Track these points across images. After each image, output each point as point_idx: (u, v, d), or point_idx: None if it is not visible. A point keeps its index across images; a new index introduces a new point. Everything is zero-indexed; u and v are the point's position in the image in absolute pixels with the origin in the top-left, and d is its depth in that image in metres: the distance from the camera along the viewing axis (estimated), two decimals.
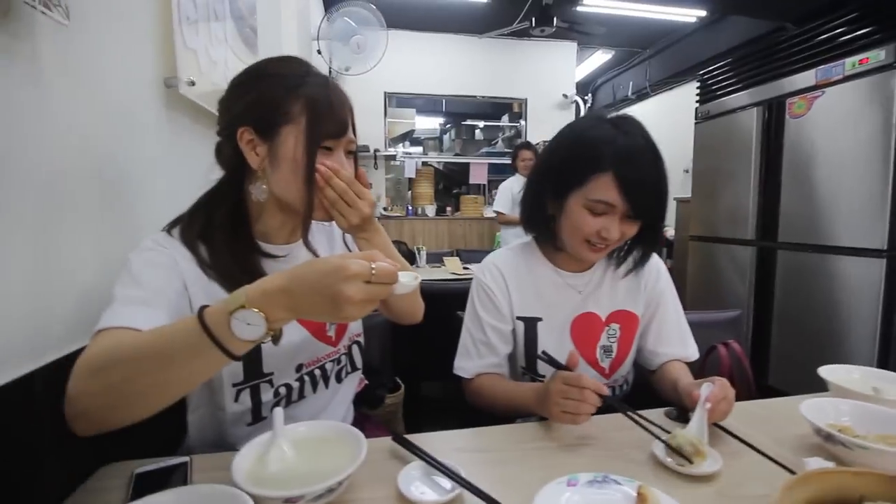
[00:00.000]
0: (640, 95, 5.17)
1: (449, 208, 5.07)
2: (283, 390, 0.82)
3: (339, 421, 0.92)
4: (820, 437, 0.66)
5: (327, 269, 0.49)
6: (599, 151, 0.84)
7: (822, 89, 2.29)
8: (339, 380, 0.92)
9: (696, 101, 3.16)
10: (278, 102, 0.71)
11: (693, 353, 1.01)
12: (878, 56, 2.05)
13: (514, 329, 0.99)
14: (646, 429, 0.71)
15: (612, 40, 4.74)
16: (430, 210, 4.62)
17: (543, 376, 0.97)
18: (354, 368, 0.97)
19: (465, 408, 1.00)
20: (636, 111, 5.18)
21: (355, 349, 0.96)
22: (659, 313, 1.02)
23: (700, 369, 1.13)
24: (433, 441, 0.76)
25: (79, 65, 0.74)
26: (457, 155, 5.54)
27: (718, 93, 2.98)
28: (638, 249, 0.96)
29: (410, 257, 2.86)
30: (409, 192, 5.04)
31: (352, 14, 2.98)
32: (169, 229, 0.75)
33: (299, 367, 0.84)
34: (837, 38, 2.27)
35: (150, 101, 0.98)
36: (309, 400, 0.87)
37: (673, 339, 1.01)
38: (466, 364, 0.97)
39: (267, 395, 0.80)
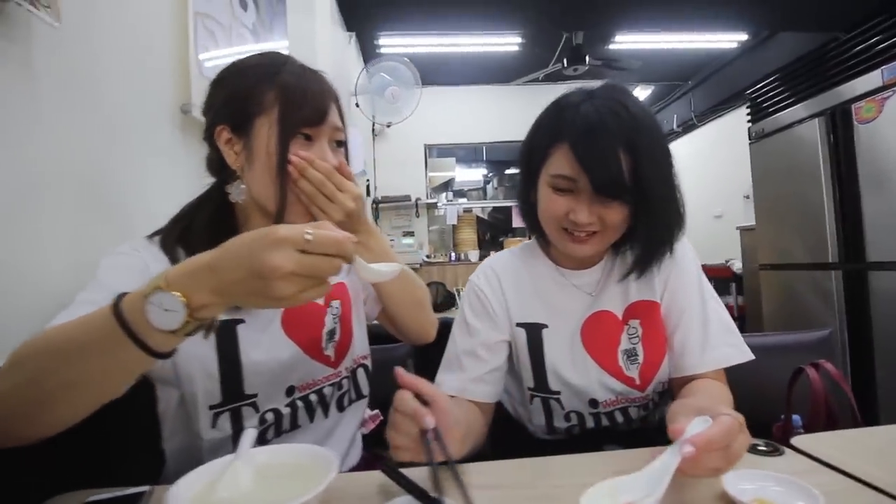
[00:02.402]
0: (687, 128, 4.97)
1: (493, 253, 4.95)
2: (270, 416, 0.72)
3: (342, 458, 0.81)
4: None
5: (252, 236, 0.41)
6: (560, 119, 0.72)
7: (892, 89, 2.06)
8: (340, 408, 0.81)
9: (748, 121, 2.96)
10: (251, 93, 0.67)
11: (722, 357, 0.75)
12: None
13: (514, 339, 0.83)
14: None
15: (649, 75, 4.66)
16: (474, 255, 4.54)
17: (558, 393, 0.81)
18: (360, 396, 0.86)
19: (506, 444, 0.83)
20: (684, 143, 5.02)
21: (361, 373, 0.86)
22: (672, 302, 0.80)
23: (786, 401, 0.92)
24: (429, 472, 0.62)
25: (101, 93, 0.75)
26: (499, 201, 5.51)
27: (771, 109, 2.78)
28: (636, 243, 0.77)
29: (450, 298, 2.75)
30: (453, 239, 5.02)
31: (387, 69, 3.13)
32: (152, 235, 0.71)
33: (290, 391, 0.74)
34: None
35: (166, 125, 1.01)
36: (304, 430, 0.76)
37: (689, 342, 0.77)
38: (448, 378, 0.81)
39: (251, 421, 0.71)
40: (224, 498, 0.48)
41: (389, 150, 4.53)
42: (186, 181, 1.09)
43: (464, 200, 5.55)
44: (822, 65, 2.45)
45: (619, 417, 0.81)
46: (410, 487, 0.53)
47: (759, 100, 2.90)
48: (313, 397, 0.77)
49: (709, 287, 0.81)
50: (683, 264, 0.82)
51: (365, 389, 0.86)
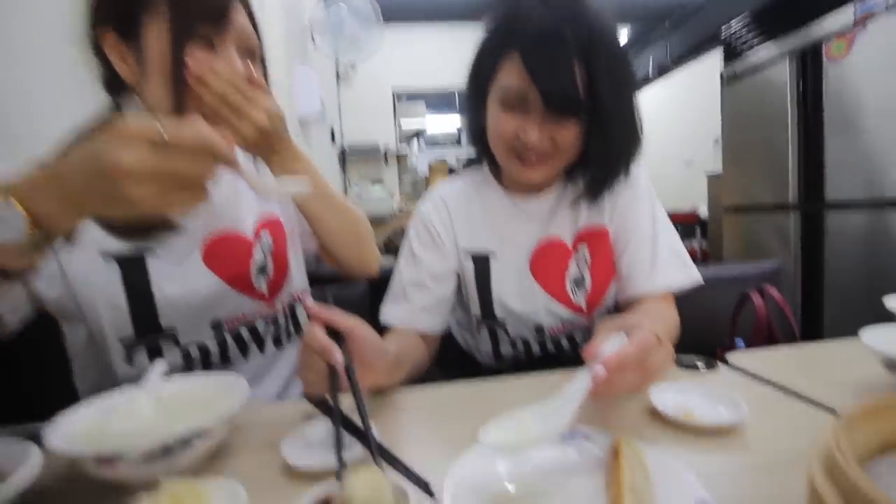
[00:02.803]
0: (663, 71, 4.87)
1: None
2: (195, 352, 0.68)
3: (279, 395, 0.78)
4: (893, 371, 0.46)
5: (100, 136, 0.35)
6: (511, 27, 0.66)
7: (862, 24, 2.01)
8: (278, 344, 0.77)
9: (722, 64, 2.89)
10: None
11: (671, 281, 0.72)
12: None
13: (461, 269, 0.80)
14: None
15: (626, 14, 4.50)
16: None
17: (505, 321, 0.79)
18: (299, 331, 0.82)
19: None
20: (659, 89, 4.94)
21: (300, 309, 0.81)
22: (621, 226, 0.77)
23: (731, 325, 0.93)
24: (371, 401, 0.59)
25: None
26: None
27: (745, 50, 2.71)
28: (589, 166, 0.72)
29: None
30: (426, 190, 4.93)
31: (346, 1, 2.90)
32: None
33: (217, 325, 0.70)
34: None
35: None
36: (237, 366, 0.73)
37: (637, 265, 0.74)
38: (393, 309, 0.77)
39: (173, 356, 0.66)
40: (118, 430, 0.44)
41: (355, 95, 4.31)
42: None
43: (438, 148, 5.40)
44: (795, 1, 2.37)
45: (565, 343, 0.80)
46: (331, 413, 0.50)
47: (733, 40, 2.82)
48: (245, 332, 0.73)
49: (661, 212, 0.78)
50: (636, 187, 0.78)
51: (304, 325, 0.82)
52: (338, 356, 0.47)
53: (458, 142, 6.01)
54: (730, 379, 0.58)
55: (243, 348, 0.73)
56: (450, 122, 6.66)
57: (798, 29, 2.33)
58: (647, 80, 5.02)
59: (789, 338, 0.83)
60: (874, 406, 0.30)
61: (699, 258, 3.59)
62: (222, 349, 0.71)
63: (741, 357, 0.63)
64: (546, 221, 0.79)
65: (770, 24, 2.53)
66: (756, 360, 0.61)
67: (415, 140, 5.27)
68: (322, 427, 0.49)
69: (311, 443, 0.46)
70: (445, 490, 0.34)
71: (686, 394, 0.50)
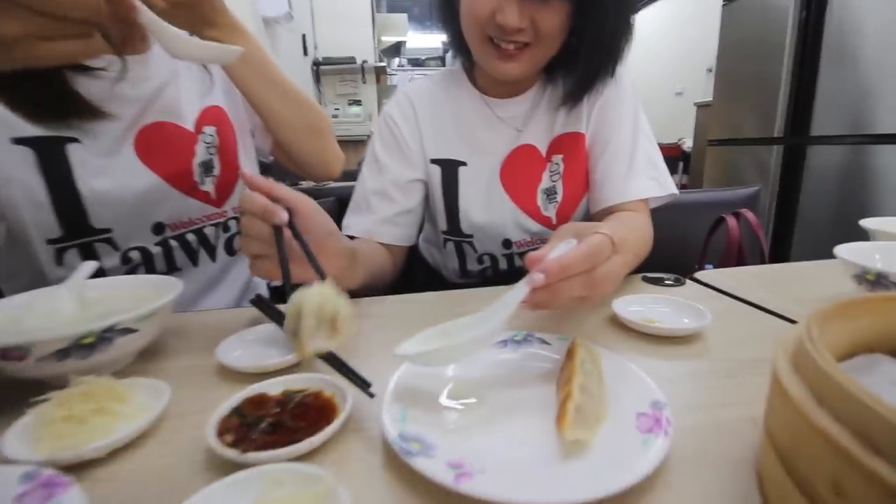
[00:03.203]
0: None
1: None
2: (136, 255, 0.63)
3: (235, 304, 0.75)
4: (864, 284, 0.44)
5: None
6: None
7: None
8: (230, 251, 0.73)
9: None
10: None
11: (641, 189, 0.67)
12: None
13: (428, 177, 0.74)
14: None
15: None
16: None
17: (471, 237, 0.75)
18: None
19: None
20: (657, 9, 4.63)
21: None
22: (599, 131, 0.70)
23: (703, 248, 0.91)
24: None
25: None
26: None
27: None
28: (575, 63, 0.65)
29: None
30: None
31: None
32: None
33: (159, 228, 0.64)
34: None
35: None
36: (186, 274, 0.68)
37: (612, 173, 0.68)
38: (356, 220, 0.72)
39: (111, 259, 0.61)
40: (32, 326, 0.40)
41: (330, 1, 3.93)
42: None
43: (420, 69, 5.08)
44: None
45: None
46: (279, 318, 0.46)
47: None
48: (192, 237, 0.67)
49: (644, 121, 0.72)
50: (620, 90, 0.71)
51: None
52: (282, 214, 0.42)
53: (443, 60, 5.66)
54: (696, 293, 0.56)
55: (192, 255, 0.68)
56: (434, 40, 6.24)
57: None
58: (642, 1, 4.71)
59: (759, 262, 0.83)
60: (846, 304, 0.28)
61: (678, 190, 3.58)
62: (167, 255, 0.66)
63: (708, 274, 0.61)
64: (521, 127, 0.72)
65: None
66: (724, 277, 0.59)
67: (395, 58, 4.94)
68: (265, 330, 0.45)
69: (249, 344, 0.43)
70: (387, 392, 0.32)
71: (650, 305, 0.48)
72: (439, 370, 0.36)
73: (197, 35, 0.58)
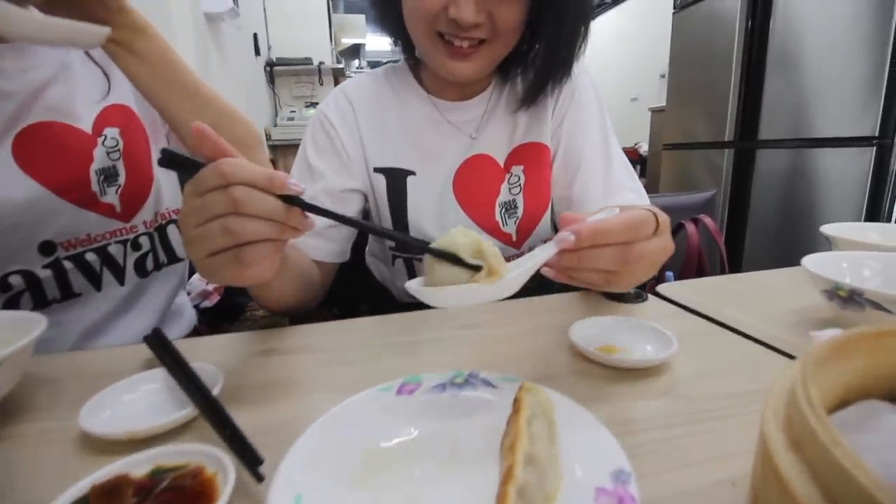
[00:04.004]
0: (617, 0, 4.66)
1: None
2: (17, 281, 0.53)
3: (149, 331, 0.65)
4: (836, 300, 0.41)
5: None
6: None
7: None
8: (142, 273, 0.63)
9: None
10: None
11: (625, 202, 0.62)
12: None
13: (371, 187, 0.67)
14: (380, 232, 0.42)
15: None
16: None
17: (423, 253, 0.68)
18: (175, 259, 0.68)
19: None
20: (612, 17, 4.74)
21: (174, 232, 0.66)
22: (570, 144, 0.66)
23: None
24: (233, 342, 0.49)
25: None
26: None
27: None
28: (532, 62, 0.61)
29: None
30: None
31: None
32: None
33: (48, 248, 0.54)
34: None
35: None
36: (88, 300, 0.59)
37: (590, 184, 0.64)
38: None
39: None
40: None
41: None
42: None
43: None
44: None
45: None
46: (174, 363, 0.38)
47: None
48: (92, 257, 0.58)
49: (609, 125, 0.68)
50: (583, 97, 0.66)
51: (181, 251, 0.68)
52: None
53: None
54: (659, 311, 0.52)
55: (93, 278, 0.59)
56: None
57: None
58: (601, 6, 4.80)
59: (719, 269, 0.81)
60: (840, 344, 0.23)
61: None
62: (61, 279, 0.56)
63: (671, 288, 0.57)
64: (475, 134, 0.67)
65: None
66: (687, 291, 0.56)
67: (354, 60, 4.83)
68: (154, 378, 0.37)
69: (129, 402, 0.35)
70: (278, 471, 0.24)
71: (611, 328, 0.43)
72: (363, 421, 0.29)
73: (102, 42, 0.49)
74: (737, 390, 0.35)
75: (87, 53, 0.58)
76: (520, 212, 0.67)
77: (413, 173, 0.66)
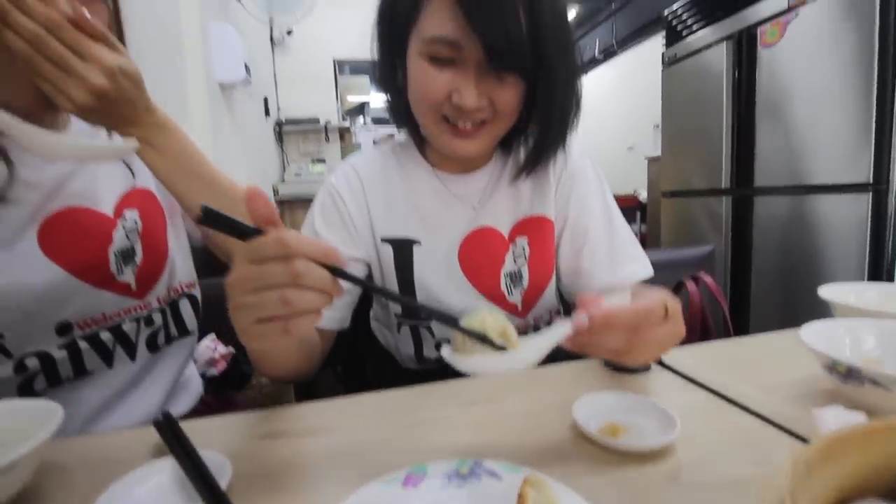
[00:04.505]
0: (608, 54, 4.90)
1: None
2: (33, 363, 0.54)
3: (159, 407, 0.66)
4: (835, 375, 0.41)
5: None
6: None
7: (795, 10, 2.06)
8: (153, 348, 0.64)
9: (663, 45, 2.92)
10: None
11: (630, 273, 0.67)
12: None
13: (378, 257, 0.69)
14: (435, 314, 0.43)
15: None
16: None
17: (429, 321, 0.69)
18: (185, 333, 0.69)
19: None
20: (604, 70, 4.97)
21: (185, 306, 0.68)
22: (575, 218, 0.69)
23: None
24: (240, 423, 0.49)
25: None
26: None
27: (685, 33, 2.73)
28: (528, 135, 0.65)
29: None
30: None
31: None
32: None
33: (65, 329, 0.56)
34: None
35: None
36: (99, 378, 0.60)
37: (597, 256, 0.68)
38: None
39: (2, 370, 0.52)
40: None
41: (293, 63, 4.01)
42: None
43: (384, 128, 5.18)
44: None
45: None
46: (185, 451, 0.39)
47: (674, 23, 2.84)
48: (106, 336, 0.59)
49: (611, 197, 0.72)
50: (585, 176, 0.71)
51: (191, 325, 0.69)
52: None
53: None
54: (663, 383, 0.52)
55: (106, 356, 0.60)
56: None
57: (735, 13, 2.36)
58: (593, 62, 5.05)
59: (722, 327, 0.81)
60: (829, 445, 0.24)
61: (638, 240, 3.69)
62: (75, 359, 0.57)
63: (675, 355, 0.58)
64: (479, 206, 0.70)
65: (710, 8, 2.56)
66: (691, 359, 0.56)
67: (359, 116, 5.03)
68: (166, 468, 0.38)
69: (141, 495, 0.35)
70: None
71: (613, 405, 0.43)
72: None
73: (117, 133, 0.53)
74: (742, 474, 0.35)
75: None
76: (525, 282, 0.69)
77: (419, 243, 0.68)
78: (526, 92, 0.58)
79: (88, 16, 0.47)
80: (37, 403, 0.40)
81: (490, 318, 0.38)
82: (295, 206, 3.64)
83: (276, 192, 3.62)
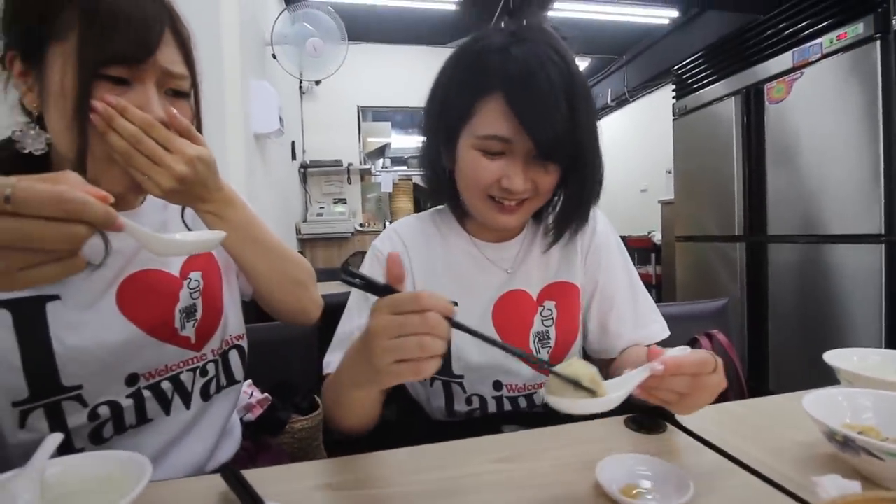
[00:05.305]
0: (620, 102, 5.07)
1: None
2: (105, 411, 0.60)
3: (209, 452, 0.71)
4: (833, 443, 0.46)
5: None
6: (485, 67, 0.63)
7: (800, 70, 2.16)
8: (206, 397, 0.70)
9: (673, 98, 3.04)
10: (43, 8, 0.51)
11: (653, 334, 0.76)
12: (856, 30, 1.92)
13: None
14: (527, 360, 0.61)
15: (587, 47, 4.67)
16: None
17: (461, 377, 0.74)
18: (232, 382, 0.75)
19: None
20: (616, 118, 5.13)
21: (234, 356, 0.75)
22: (602, 285, 0.78)
23: None
24: (293, 475, 0.54)
25: None
26: None
27: (695, 86, 2.85)
28: (565, 208, 0.72)
29: None
30: (389, 207, 4.87)
31: (310, 17, 2.85)
32: None
33: (133, 380, 0.62)
34: (813, 17, 2.14)
35: None
36: (157, 424, 0.66)
37: (623, 319, 0.76)
38: (337, 358, 0.71)
39: (78, 418, 0.59)
40: None
41: (319, 110, 4.24)
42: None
43: (403, 168, 5.37)
44: (742, 45, 2.53)
45: (523, 402, 0.77)
46: (249, 497, 0.45)
47: (684, 76, 2.97)
48: (167, 385, 0.66)
49: (631, 264, 0.80)
50: (610, 248, 0.79)
51: (238, 374, 0.75)
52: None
53: None
54: (677, 444, 0.56)
55: (165, 404, 0.66)
56: (415, 140, 6.67)
57: (743, 70, 2.47)
58: (605, 109, 5.22)
59: (736, 385, 0.84)
60: None
61: (653, 283, 3.71)
62: (139, 407, 0.63)
63: (690, 416, 0.62)
64: (512, 271, 0.77)
65: (718, 65, 2.68)
66: (704, 421, 0.60)
67: (380, 159, 5.23)
68: None
69: None
70: None
71: (633, 466, 0.48)
72: None
73: (192, 208, 0.61)
74: None
75: (181, 215, 0.70)
76: (552, 342, 0.76)
77: (456, 304, 0.75)
78: (564, 172, 0.67)
79: (176, 112, 0.57)
80: (128, 456, 0.46)
81: (581, 367, 0.45)
82: (316, 244, 3.76)
83: (298, 231, 3.75)
